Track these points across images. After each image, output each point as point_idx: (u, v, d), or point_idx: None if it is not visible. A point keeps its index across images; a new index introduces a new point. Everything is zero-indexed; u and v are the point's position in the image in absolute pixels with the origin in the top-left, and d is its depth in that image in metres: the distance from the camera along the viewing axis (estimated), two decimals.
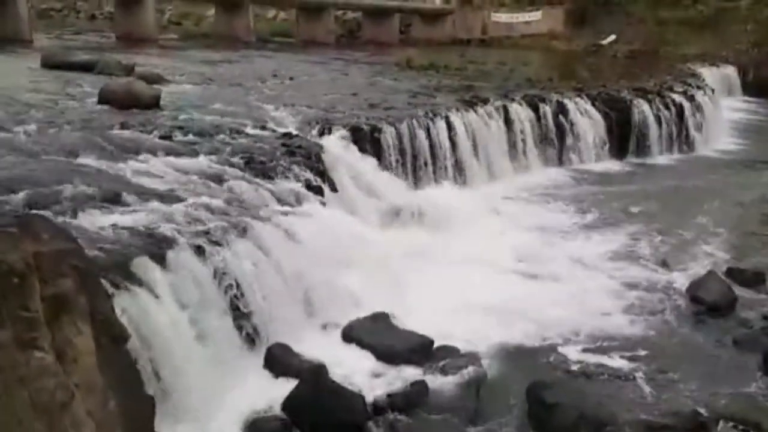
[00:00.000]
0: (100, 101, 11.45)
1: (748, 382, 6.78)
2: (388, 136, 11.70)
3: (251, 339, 6.74)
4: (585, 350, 7.28)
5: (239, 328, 6.64)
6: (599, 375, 6.87)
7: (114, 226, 6.55)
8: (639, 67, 22.37)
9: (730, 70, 25.24)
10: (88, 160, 8.38)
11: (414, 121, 12.33)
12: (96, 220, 6.62)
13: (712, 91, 19.37)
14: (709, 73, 22.47)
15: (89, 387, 3.28)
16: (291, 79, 16.43)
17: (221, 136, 10.06)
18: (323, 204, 8.97)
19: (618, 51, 27.20)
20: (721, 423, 6.06)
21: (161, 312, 5.70)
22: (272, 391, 6.13)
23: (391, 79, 17.42)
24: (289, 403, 5.90)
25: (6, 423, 2.99)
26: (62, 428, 2.92)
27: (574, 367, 7.00)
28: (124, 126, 10.03)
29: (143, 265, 5.88)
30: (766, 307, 8.33)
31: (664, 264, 9.67)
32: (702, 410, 6.19)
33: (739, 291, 8.62)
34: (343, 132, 11.18)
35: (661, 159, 16.40)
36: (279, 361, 6.54)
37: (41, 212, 6.09)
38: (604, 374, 6.88)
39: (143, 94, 11.62)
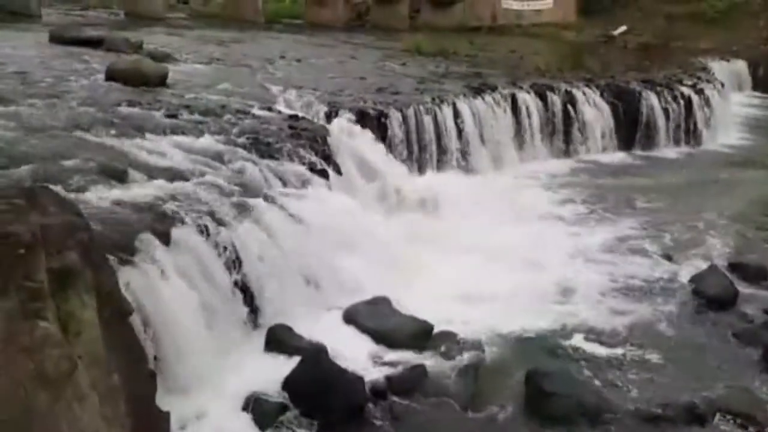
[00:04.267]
0: (108, 78, 11.43)
1: (746, 376, 6.80)
2: (395, 121, 11.67)
3: (253, 319, 6.80)
4: (584, 340, 7.31)
5: (241, 307, 6.69)
6: (598, 364, 6.91)
7: (119, 202, 6.59)
8: (648, 59, 22.13)
9: (741, 65, 24.93)
10: (94, 136, 8.41)
11: (421, 107, 12.28)
12: (102, 195, 6.66)
13: (722, 85, 19.15)
14: (719, 68, 22.23)
15: (93, 360, 3.32)
16: (298, 61, 16.35)
17: (228, 116, 10.06)
18: (328, 187, 8.99)
19: (628, 42, 26.96)
20: (718, 416, 6.10)
21: (165, 288, 5.75)
22: (273, 370, 6.17)
23: (399, 64, 17.32)
24: (289, 383, 5.95)
25: (10, 393, 3.02)
26: (66, 399, 2.95)
27: (573, 356, 7.04)
28: (131, 103, 10.04)
29: (148, 242, 5.92)
30: (766, 302, 8.33)
31: (668, 257, 9.67)
32: (699, 402, 6.22)
33: (741, 285, 8.62)
34: (350, 116, 11.15)
35: (667, 152, 16.29)
36: (280, 341, 6.59)
37: (48, 186, 6.12)
38: (602, 364, 6.92)
39: (150, 71, 11.60)
